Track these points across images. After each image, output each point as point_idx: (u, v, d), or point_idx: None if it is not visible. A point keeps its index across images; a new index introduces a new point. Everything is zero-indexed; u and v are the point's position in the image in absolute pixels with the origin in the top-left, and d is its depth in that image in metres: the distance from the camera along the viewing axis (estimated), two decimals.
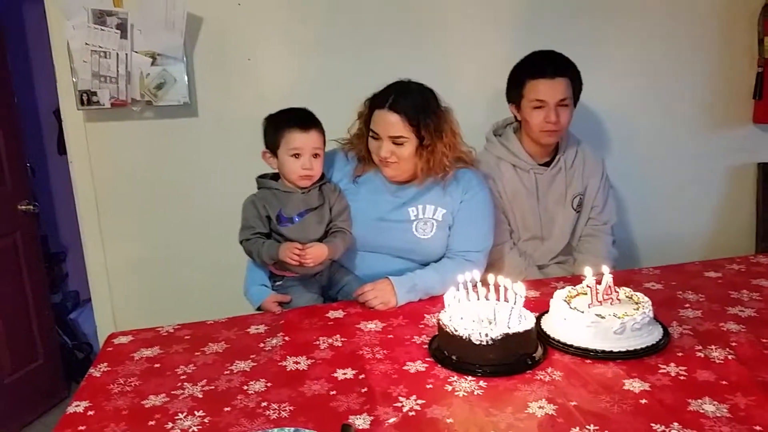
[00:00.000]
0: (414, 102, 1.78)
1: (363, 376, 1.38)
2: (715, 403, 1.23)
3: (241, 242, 1.79)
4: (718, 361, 1.39)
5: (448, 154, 1.82)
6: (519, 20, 2.52)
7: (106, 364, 1.49)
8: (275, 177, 1.84)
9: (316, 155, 1.77)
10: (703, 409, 1.21)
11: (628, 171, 2.67)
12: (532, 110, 2.03)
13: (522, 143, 2.14)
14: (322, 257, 1.73)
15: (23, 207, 2.66)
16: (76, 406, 1.31)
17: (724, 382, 1.30)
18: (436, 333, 1.51)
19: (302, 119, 1.77)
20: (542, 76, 2.01)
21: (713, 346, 1.45)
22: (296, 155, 1.75)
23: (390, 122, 1.77)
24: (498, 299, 1.45)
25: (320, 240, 1.78)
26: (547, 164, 2.16)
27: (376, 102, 1.82)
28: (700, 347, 1.45)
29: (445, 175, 1.85)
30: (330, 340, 1.56)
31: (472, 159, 1.94)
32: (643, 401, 1.24)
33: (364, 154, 1.89)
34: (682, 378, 1.33)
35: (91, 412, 1.28)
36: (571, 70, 2.05)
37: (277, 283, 1.87)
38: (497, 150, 2.16)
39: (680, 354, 1.43)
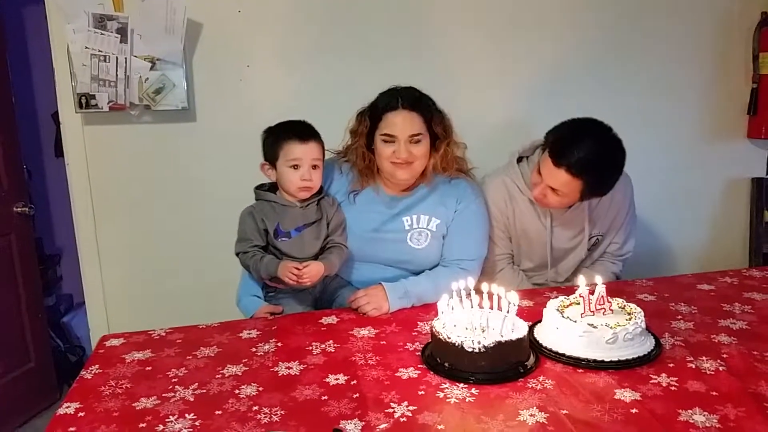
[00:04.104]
0: (423, 100, 1.82)
1: (355, 381, 1.38)
2: (706, 413, 1.23)
3: (237, 254, 1.79)
4: (709, 373, 1.40)
5: (456, 152, 1.87)
6: (516, 33, 2.54)
7: (97, 366, 1.49)
8: (273, 188, 1.84)
9: (315, 166, 1.77)
10: (693, 420, 1.21)
11: None
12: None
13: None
14: (319, 275, 1.73)
15: (19, 209, 2.66)
16: (67, 407, 1.30)
17: (714, 393, 1.31)
18: (429, 340, 1.51)
19: (301, 131, 1.78)
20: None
21: (704, 358, 1.46)
22: (295, 166, 1.75)
23: (408, 121, 1.79)
24: (491, 307, 1.46)
25: (317, 255, 1.79)
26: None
27: (384, 106, 1.81)
28: (692, 358, 1.46)
29: (452, 173, 1.89)
30: (323, 346, 1.56)
31: (467, 168, 1.96)
32: (634, 411, 1.25)
33: (363, 168, 1.89)
34: (673, 388, 1.33)
35: (81, 414, 1.28)
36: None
37: (270, 294, 1.87)
38: (518, 179, 2.01)
39: (671, 365, 1.43)
